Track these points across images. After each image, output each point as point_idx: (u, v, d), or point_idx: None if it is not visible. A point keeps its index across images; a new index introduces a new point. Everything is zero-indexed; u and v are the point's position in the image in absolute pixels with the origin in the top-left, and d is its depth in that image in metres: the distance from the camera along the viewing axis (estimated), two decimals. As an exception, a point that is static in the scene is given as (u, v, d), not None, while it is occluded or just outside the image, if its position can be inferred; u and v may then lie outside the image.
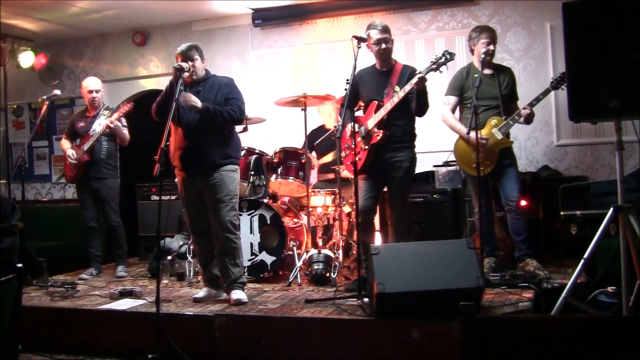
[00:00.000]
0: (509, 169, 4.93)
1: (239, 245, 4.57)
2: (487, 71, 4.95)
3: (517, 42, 6.42)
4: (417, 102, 4.53)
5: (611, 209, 3.47)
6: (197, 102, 4.35)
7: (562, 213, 5.41)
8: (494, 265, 4.87)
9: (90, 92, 5.97)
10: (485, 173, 4.83)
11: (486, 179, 4.92)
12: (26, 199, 6.41)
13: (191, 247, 5.31)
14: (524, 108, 4.84)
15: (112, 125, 5.68)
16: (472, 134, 4.63)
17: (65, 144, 6.02)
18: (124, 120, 5.83)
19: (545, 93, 4.88)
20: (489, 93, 4.90)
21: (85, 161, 5.78)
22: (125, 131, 5.86)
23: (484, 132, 4.79)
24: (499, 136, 4.85)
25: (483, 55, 4.84)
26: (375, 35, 4.63)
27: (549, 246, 5.58)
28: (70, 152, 5.85)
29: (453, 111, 5.09)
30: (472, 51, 5.05)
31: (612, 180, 4.81)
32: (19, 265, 2.64)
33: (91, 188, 5.86)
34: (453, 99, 5.06)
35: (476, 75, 4.74)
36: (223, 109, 4.39)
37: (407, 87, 4.46)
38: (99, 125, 5.77)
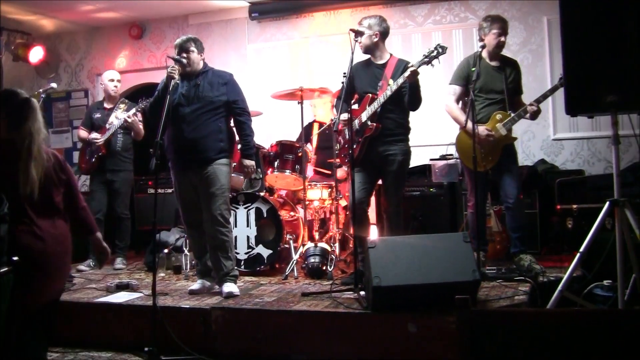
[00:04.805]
0: (510, 166, 4.84)
1: (231, 239, 4.58)
2: (493, 63, 4.85)
3: (514, 37, 6.36)
4: (409, 96, 4.51)
5: (607, 202, 3.47)
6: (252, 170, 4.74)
7: (558, 207, 5.43)
8: (483, 259, 4.84)
9: (112, 80, 6.11)
10: (486, 169, 4.78)
11: (486, 174, 4.86)
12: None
13: (187, 240, 5.31)
14: (531, 104, 4.67)
15: (129, 120, 5.79)
16: (470, 126, 4.62)
17: (82, 133, 6.14)
18: (139, 115, 5.91)
19: (553, 90, 4.69)
20: (494, 86, 4.80)
21: (102, 154, 5.89)
22: (141, 126, 5.95)
23: (487, 127, 4.72)
24: (503, 132, 4.71)
25: (493, 48, 4.75)
26: None
27: (545, 240, 5.60)
28: (95, 135, 5.96)
29: (457, 101, 4.90)
30: (481, 40, 4.88)
31: (609, 174, 4.82)
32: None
33: (106, 180, 5.97)
34: (458, 89, 4.87)
35: (473, 70, 4.67)
36: (244, 133, 4.64)
37: (400, 81, 4.45)
38: (116, 118, 5.90)
